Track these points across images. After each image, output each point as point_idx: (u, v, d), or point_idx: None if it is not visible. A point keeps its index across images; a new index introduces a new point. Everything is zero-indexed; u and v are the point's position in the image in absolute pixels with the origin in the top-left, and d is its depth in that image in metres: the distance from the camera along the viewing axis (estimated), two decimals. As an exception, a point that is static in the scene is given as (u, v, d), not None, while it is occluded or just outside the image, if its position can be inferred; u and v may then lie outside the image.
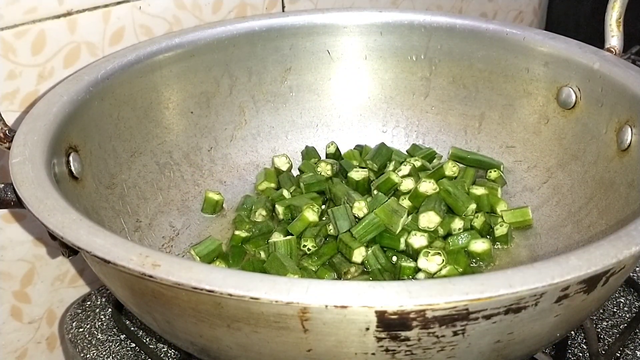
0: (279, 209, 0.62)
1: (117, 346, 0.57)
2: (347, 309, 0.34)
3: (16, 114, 0.60)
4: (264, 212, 0.62)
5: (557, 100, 0.63)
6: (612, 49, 0.62)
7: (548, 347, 0.54)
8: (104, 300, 0.63)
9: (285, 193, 0.64)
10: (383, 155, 0.67)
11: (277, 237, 0.58)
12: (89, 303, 0.63)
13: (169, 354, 0.56)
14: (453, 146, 0.69)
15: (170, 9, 0.67)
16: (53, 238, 0.43)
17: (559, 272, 0.36)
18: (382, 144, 0.68)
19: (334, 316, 0.35)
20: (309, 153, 0.69)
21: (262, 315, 0.36)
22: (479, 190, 0.63)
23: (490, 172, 0.66)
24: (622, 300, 0.60)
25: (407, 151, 0.70)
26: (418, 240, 0.56)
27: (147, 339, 0.58)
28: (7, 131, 0.51)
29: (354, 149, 0.70)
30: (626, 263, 0.39)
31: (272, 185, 0.66)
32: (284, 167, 0.68)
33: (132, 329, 0.59)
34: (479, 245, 0.58)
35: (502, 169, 0.66)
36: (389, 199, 0.59)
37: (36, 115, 0.51)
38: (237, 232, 0.61)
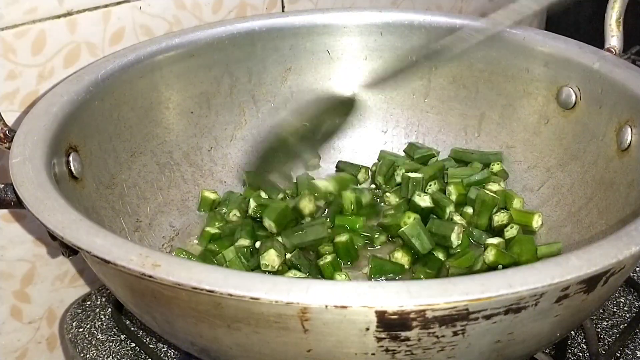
0: (252, 204, 0.61)
1: (117, 346, 0.57)
2: (347, 309, 0.34)
3: (16, 114, 0.60)
4: (237, 213, 0.62)
5: (557, 100, 0.63)
6: (612, 49, 0.62)
7: (548, 347, 0.54)
8: (104, 300, 0.63)
9: (263, 194, 0.64)
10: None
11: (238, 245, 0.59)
12: (89, 303, 0.63)
13: (169, 354, 0.56)
14: (454, 147, 0.69)
15: (170, 9, 0.67)
16: (53, 238, 0.43)
17: (559, 272, 0.36)
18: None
19: (334, 316, 0.35)
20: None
21: (262, 315, 0.36)
22: (494, 187, 0.63)
23: (493, 165, 0.66)
24: (622, 300, 0.60)
25: (404, 150, 0.70)
26: None
27: (147, 339, 0.58)
28: (7, 131, 0.51)
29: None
30: (626, 263, 0.39)
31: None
32: None
33: (132, 329, 0.59)
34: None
35: (501, 158, 0.67)
36: None
37: (36, 115, 0.51)
38: (207, 228, 0.61)
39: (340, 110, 0.60)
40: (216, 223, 0.62)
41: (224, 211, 0.63)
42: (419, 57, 0.57)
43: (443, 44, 0.53)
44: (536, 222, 0.61)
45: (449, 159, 0.68)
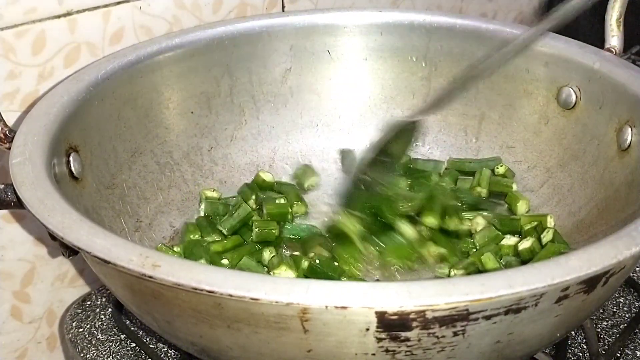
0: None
1: (117, 346, 0.57)
2: (347, 310, 0.34)
3: (16, 114, 0.60)
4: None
5: (557, 100, 0.63)
6: (612, 49, 0.62)
7: (548, 347, 0.54)
8: (104, 300, 0.63)
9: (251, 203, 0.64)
10: None
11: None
12: (89, 303, 0.63)
13: (169, 354, 0.56)
14: (450, 157, 0.69)
15: (170, 9, 0.67)
16: (53, 238, 0.43)
17: (559, 273, 0.36)
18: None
19: (334, 317, 0.35)
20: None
21: (263, 315, 0.36)
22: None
23: (497, 168, 0.66)
24: (622, 300, 0.60)
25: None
26: None
27: (147, 339, 0.58)
28: (7, 131, 0.51)
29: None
30: (626, 263, 0.39)
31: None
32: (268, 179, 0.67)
33: (132, 329, 0.59)
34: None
35: (501, 161, 0.67)
36: None
37: (36, 115, 0.51)
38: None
39: (405, 137, 0.61)
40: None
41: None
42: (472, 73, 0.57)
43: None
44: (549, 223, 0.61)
45: (451, 171, 0.68)
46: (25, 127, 0.50)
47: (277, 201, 0.63)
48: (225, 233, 0.60)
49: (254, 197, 0.65)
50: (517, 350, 0.41)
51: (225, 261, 0.57)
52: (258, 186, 0.66)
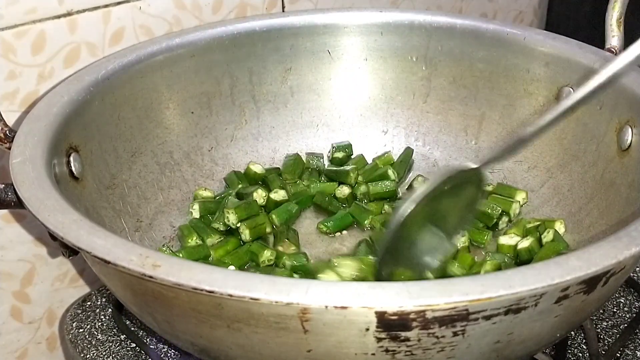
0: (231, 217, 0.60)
1: (117, 346, 0.57)
2: (347, 310, 0.34)
3: (16, 114, 0.60)
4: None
5: (558, 100, 0.63)
6: (612, 49, 0.62)
7: (548, 347, 0.54)
8: (104, 300, 0.63)
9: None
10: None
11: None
12: (89, 303, 0.63)
13: (169, 354, 0.56)
14: None
15: (170, 9, 0.67)
16: (53, 238, 0.43)
17: (558, 273, 0.36)
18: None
19: (334, 317, 0.35)
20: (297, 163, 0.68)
21: (262, 315, 0.36)
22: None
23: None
24: (622, 301, 0.60)
25: None
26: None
27: (147, 339, 0.58)
28: (7, 131, 0.51)
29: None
30: (626, 264, 0.39)
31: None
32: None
33: (132, 329, 0.59)
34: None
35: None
36: None
37: (37, 115, 0.51)
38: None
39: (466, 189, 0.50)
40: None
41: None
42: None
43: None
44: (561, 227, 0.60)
45: None
46: (25, 127, 0.50)
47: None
48: (221, 229, 0.60)
49: (240, 185, 0.65)
50: (517, 350, 0.41)
51: (232, 267, 0.57)
52: (247, 179, 0.66)
